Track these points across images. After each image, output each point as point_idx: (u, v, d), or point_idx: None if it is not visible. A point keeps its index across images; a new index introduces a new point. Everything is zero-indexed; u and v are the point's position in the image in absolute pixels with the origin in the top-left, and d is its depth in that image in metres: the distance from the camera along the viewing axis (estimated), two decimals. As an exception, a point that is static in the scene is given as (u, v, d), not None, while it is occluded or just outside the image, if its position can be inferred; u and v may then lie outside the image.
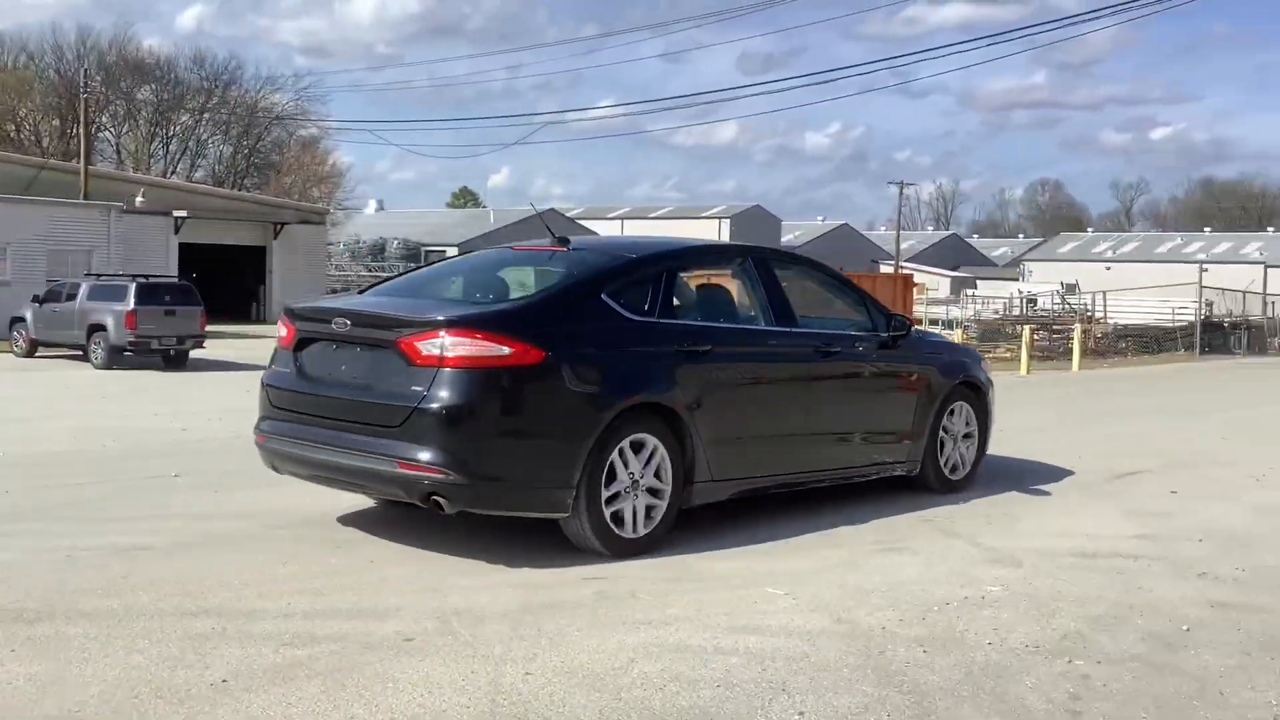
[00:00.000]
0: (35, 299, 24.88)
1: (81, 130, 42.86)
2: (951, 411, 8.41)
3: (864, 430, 7.81)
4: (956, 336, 27.88)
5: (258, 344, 27.51)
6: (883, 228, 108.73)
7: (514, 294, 6.89)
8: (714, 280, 7.73)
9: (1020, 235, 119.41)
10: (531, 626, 4.99)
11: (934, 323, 46.81)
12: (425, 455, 5.87)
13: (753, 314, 7.41)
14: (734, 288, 7.60)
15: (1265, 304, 40.34)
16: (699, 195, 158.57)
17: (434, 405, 5.88)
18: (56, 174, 40.31)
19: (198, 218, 39.05)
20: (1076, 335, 30.75)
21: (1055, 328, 37.03)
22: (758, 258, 7.56)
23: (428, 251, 56.13)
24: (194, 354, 22.45)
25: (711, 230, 79.16)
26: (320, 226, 44.49)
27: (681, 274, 7.20)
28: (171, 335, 21.80)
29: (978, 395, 8.70)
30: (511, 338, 5.99)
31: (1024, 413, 15.41)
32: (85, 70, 47.92)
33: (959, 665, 4.67)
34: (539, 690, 4.26)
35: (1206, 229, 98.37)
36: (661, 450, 6.41)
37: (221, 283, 39.07)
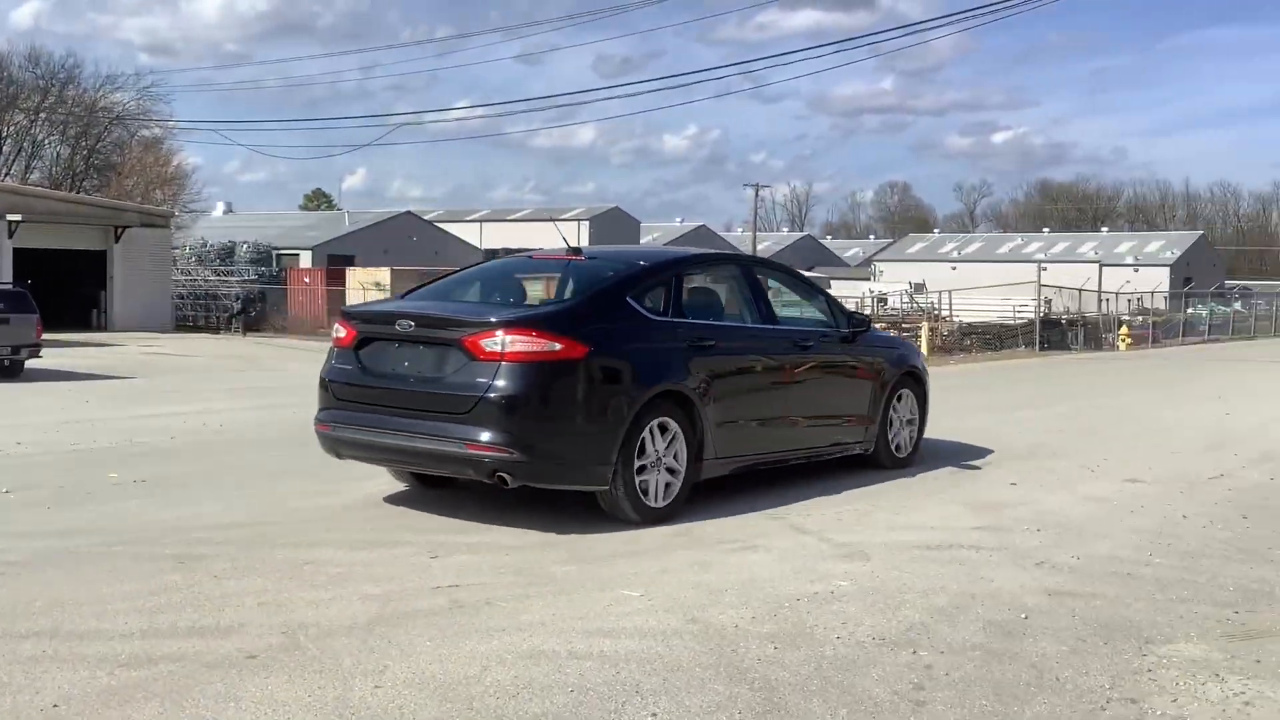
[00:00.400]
0: None
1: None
2: (899, 397, 9.64)
3: (831, 414, 8.99)
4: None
5: (100, 352, 26.44)
6: (739, 229, 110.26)
7: (540, 298, 8.09)
8: (710, 285, 8.84)
9: (871, 236, 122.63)
10: (382, 638, 4.90)
11: (790, 322, 47.59)
12: (491, 437, 6.76)
13: (742, 313, 8.60)
14: (726, 291, 8.74)
15: (1100, 301, 42.16)
16: (559, 197, 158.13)
17: (497, 394, 6.78)
18: (-124, 175, 37.99)
19: (33, 221, 37.30)
20: (924, 333, 31.66)
21: (904, 326, 38.04)
22: (744, 264, 9.00)
23: (279, 255, 54.75)
24: (31, 364, 21.44)
25: (570, 233, 78.84)
26: (165, 230, 42.93)
27: (685, 279, 8.18)
28: (5, 345, 20.76)
29: (918, 383, 9.98)
30: (560, 335, 6.92)
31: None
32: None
33: (808, 660, 4.75)
34: (388, 703, 4.18)
35: (1045, 229, 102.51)
36: (678, 431, 7.39)
37: (60, 289, 37.42)
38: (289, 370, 21.58)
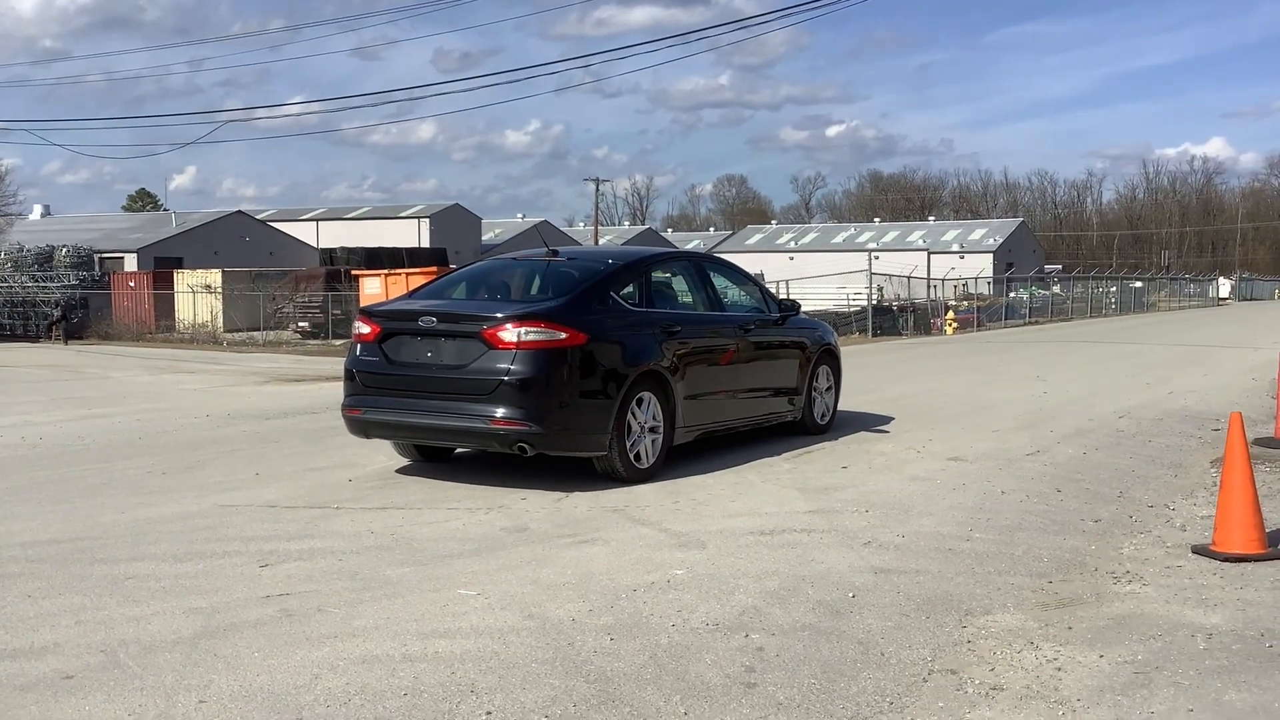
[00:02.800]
0: None
1: None
2: (819, 372, 11.17)
3: (768, 388, 10.40)
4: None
5: (-96, 365, 24.87)
6: (582, 224, 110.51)
7: (531, 293, 9.07)
8: (671, 279, 10.18)
9: (711, 229, 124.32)
10: (208, 652, 4.76)
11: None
12: (512, 413, 8.01)
13: (696, 303, 10.04)
14: (684, 284, 10.15)
15: (929, 287, 43.65)
16: (398, 195, 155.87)
17: (516, 377, 8.01)
18: None
19: None
20: (764, 323, 32.16)
21: (745, 316, 38.47)
22: (695, 261, 10.48)
23: (103, 258, 52.46)
24: None
25: (411, 230, 78.04)
26: (-24, 234, 40.66)
27: (656, 275, 9.68)
28: None
29: (834, 359, 11.60)
30: (565, 325, 8.19)
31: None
32: None
33: (644, 649, 4.81)
34: (213, 718, 4.06)
35: (877, 219, 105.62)
36: (656, 403, 8.74)
37: None
38: (113, 378, 20.70)
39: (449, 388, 8.22)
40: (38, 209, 75.30)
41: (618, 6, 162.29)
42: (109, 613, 5.31)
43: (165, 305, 41.15)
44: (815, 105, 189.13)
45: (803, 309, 11.75)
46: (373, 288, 34.79)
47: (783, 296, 11.05)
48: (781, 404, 10.63)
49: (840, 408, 11.77)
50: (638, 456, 8.59)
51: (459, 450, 9.57)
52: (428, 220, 79.82)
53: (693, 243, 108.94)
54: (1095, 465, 9.56)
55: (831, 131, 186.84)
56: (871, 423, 12.02)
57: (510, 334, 8.08)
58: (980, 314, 44.40)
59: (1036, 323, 47.01)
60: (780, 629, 5.10)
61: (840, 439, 10.89)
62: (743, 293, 10.97)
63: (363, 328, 8.80)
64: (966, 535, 6.94)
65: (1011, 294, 52.22)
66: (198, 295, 40.70)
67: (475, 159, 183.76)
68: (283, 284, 40.83)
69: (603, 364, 8.36)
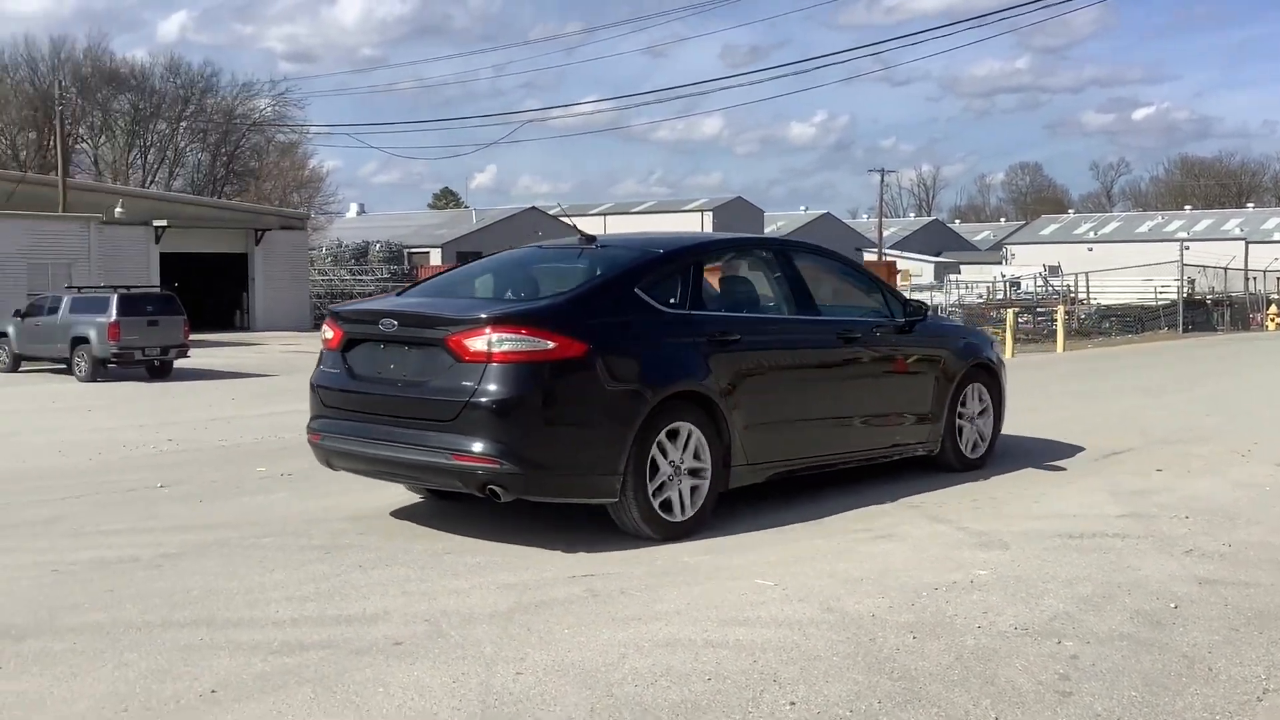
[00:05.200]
0: (17, 313, 24.73)
1: (58, 142, 42.62)
2: (968, 392, 8.80)
3: (886, 413, 8.15)
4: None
5: (243, 352, 27.44)
6: (865, 216, 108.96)
7: (548, 290, 7.19)
8: (737, 272, 8.14)
9: (1002, 219, 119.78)
10: (521, 626, 4.99)
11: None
12: (479, 447, 6.19)
13: (775, 303, 7.84)
14: (756, 279, 8.02)
15: (1246, 280, 40.53)
16: (682, 189, 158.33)
17: (484, 399, 6.18)
18: (35, 187, 40.04)
19: (178, 227, 38.87)
20: (1060, 317, 30.82)
21: (1039, 310, 37.10)
22: (777, 249, 8.06)
23: (411, 253, 55.99)
24: (178, 364, 22.37)
25: (694, 224, 79.14)
26: (301, 232, 44.32)
27: (707, 267, 7.52)
28: (155, 346, 21.70)
29: (991, 376, 9.11)
30: (554, 332, 6.29)
31: (1008, 395, 15.46)
32: (60, 82, 47.64)
33: (948, 650, 4.68)
34: (530, 690, 4.25)
35: (1187, 207, 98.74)
36: (699, 436, 6.73)
37: (204, 291, 38.93)
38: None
39: (410, 410, 6.49)
40: (354, 207, 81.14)
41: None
42: (431, 585, 5.66)
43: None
44: (1120, 87, 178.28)
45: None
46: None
47: (911, 297, 8.81)
48: (907, 432, 8.33)
49: (1145, 407, 11.05)
50: (667, 506, 6.61)
51: None
52: (710, 214, 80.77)
53: (981, 234, 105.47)
54: None
55: (1138, 114, 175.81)
56: (1181, 425, 11.24)
57: (479, 342, 6.25)
58: (1306, 308, 40.76)
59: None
60: (1095, 637, 4.85)
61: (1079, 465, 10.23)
62: (862, 291, 8.66)
63: (327, 332, 7.18)
64: (1303, 547, 6.38)
65: (1344, 286, 47.66)
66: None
67: (759, 152, 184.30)
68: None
69: (612, 383, 6.44)
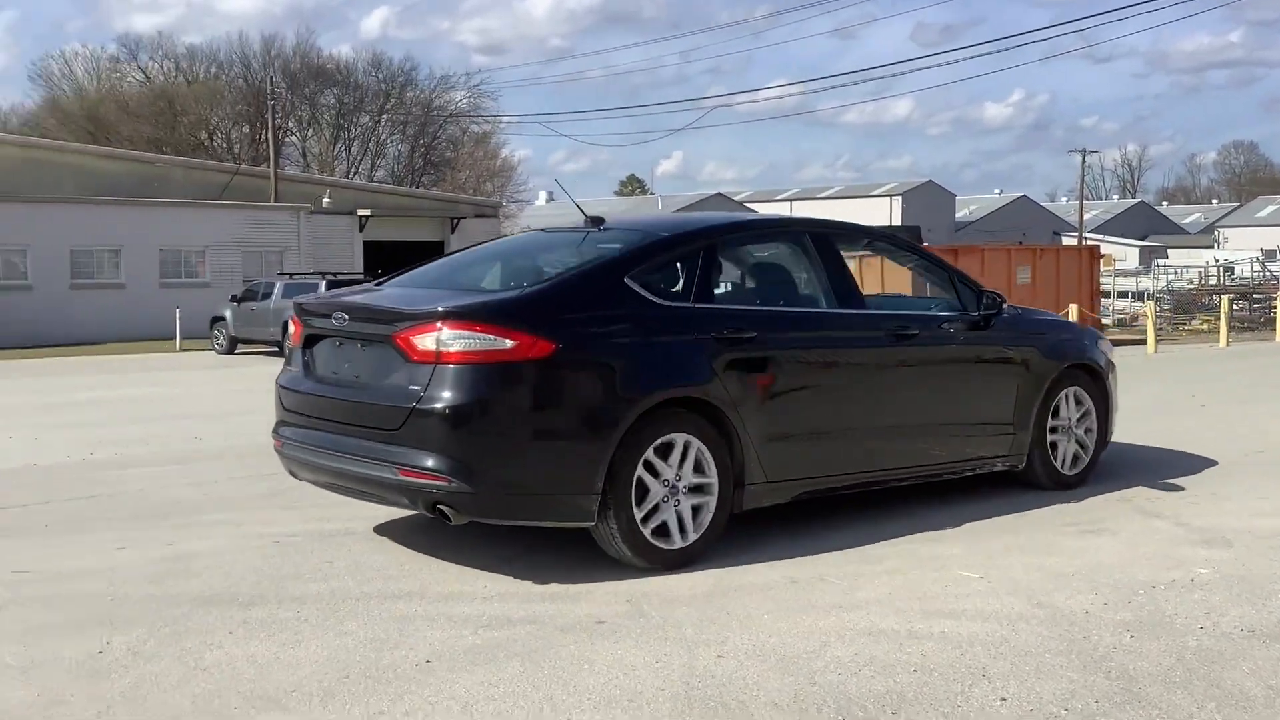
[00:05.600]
0: (233, 298, 26.21)
1: (270, 136, 44.91)
2: (1062, 399, 7.51)
3: (952, 422, 7.00)
4: (1148, 309, 26.63)
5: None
6: (1064, 198, 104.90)
7: (534, 280, 6.26)
8: (763, 260, 7.15)
9: (1214, 201, 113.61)
10: (720, 609, 5.01)
11: (1123, 295, 44.95)
12: (426, 461, 5.39)
13: (810, 294, 6.77)
14: (787, 267, 7.01)
15: None
16: (871, 173, 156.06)
17: (432, 406, 5.38)
18: (248, 179, 42.34)
19: (380, 215, 40.47)
20: None
21: (1255, 296, 35.03)
22: (815, 233, 6.86)
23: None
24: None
25: (882, 209, 77.85)
26: (494, 220, 45.54)
27: (724, 253, 6.55)
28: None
29: (1094, 379, 7.75)
30: (515, 329, 5.44)
31: (1223, 385, 14.68)
32: (271, 78, 50.17)
33: (1169, 650, 4.47)
34: (733, 673, 4.26)
35: None
36: (702, 449, 5.81)
37: (403, 278, 40.34)
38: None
39: (359, 416, 5.77)
40: (543, 195, 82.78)
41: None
42: (630, 565, 5.73)
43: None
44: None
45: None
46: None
47: (988, 288, 7.46)
48: (981, 444, 7.16)
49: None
50: (662, 531, 5.71)
51: None
52: (899, 198, 79.29)
53: (1190, 216, 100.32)
54: None
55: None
56: None
57: (428, 340, 5.48)
58: None
59: None
60: (1332, 643, 4.56)
61: None
62: (932, 281, 7.65)
63: (291, 326, 6.63)
64: None
65: None
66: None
67: (951, 134, 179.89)
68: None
69: (586, 388, 5.59)
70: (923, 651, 4.47)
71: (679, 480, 5.75)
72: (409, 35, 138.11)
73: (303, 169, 58.94)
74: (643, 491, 5.63)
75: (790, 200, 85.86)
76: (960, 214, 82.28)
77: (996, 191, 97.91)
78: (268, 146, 46.56)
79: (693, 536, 5.80)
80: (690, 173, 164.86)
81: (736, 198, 77.64)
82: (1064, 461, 7.56)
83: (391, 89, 64.07)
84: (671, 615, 4.94)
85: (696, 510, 5.83)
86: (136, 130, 55.80)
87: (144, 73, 64.38)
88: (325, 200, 39.65)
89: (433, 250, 43.12)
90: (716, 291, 6.43)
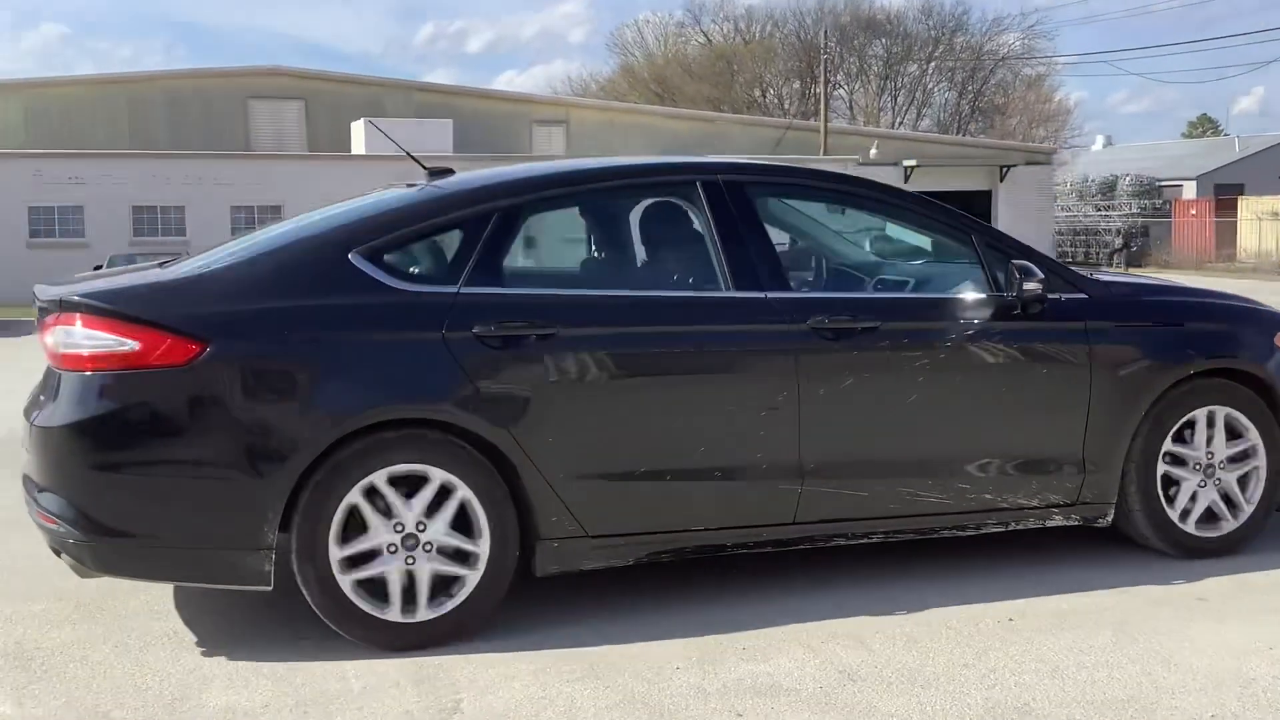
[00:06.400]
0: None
1: (822, 90, 46.04)
2: (1192, 420, 5.03)
3: (953, 455, 4.79)
4: None
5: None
6: None
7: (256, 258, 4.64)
8: (617, 224, 5.11)
9: None
10: None
11: None
12: (40, 497, 4.21)
13: (681, 271, 4.94)
14: (654, 234, 5.03)
15: None
16: None
17: (46, 426, 4.16)
18: (799, 133, 43.75)
19: (925, 165, 40.21)
20: None
21: None
22: (712, 181, 4.77)
23: (1162, 187, 52.55)
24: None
25: None
26: (1047, 167, 43.57)
27: (534, 218, 4.79)
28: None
29: (1261, 392, 5.10)
30: (143, 325, 4.08)
31: None
32: (824, 32, 51.35)
33: None
34: None
35: None
36: (462, 488, 4.21)
37: (949, 228, 39.90)
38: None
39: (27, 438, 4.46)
40: (1099, 139, 77.84)
41: None
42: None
43: (1226, 234, 39.94)
44: None
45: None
46: None
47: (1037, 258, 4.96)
48: (1014, 485, 4.83)
49: None
50: (379, 590, 4.17)
51: None
52: None
53: None
54: None
55: None
56: None
57: (48, 339, 4.24)
58: None
59: None
60: None
61: None
62: (949, 246, 5.37)
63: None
64: None
65: None
66: (1263, 223, 38.72)
67: None
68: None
69: (252, 406, 4.13)
70: None
71: (422, 531, 4.18)
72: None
73: (849, 121, 59.87)
74: (354, 538, 4.16)
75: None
76: None
77: None
78: (817, 101, 47.82)
79: (446, 608, 4.22)
80: (1275, 109, 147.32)
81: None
82: (1193, 517, 5.05)
83: (941, 35, 63.15)
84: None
85: (449, 582, 4.24)
86: (698, 90, 59.47)
87: (705, 35, 68.34)
88: (873, 151, 40.05)
89: (978, 200, 42.22)
90: (515, 271, 4.95)
